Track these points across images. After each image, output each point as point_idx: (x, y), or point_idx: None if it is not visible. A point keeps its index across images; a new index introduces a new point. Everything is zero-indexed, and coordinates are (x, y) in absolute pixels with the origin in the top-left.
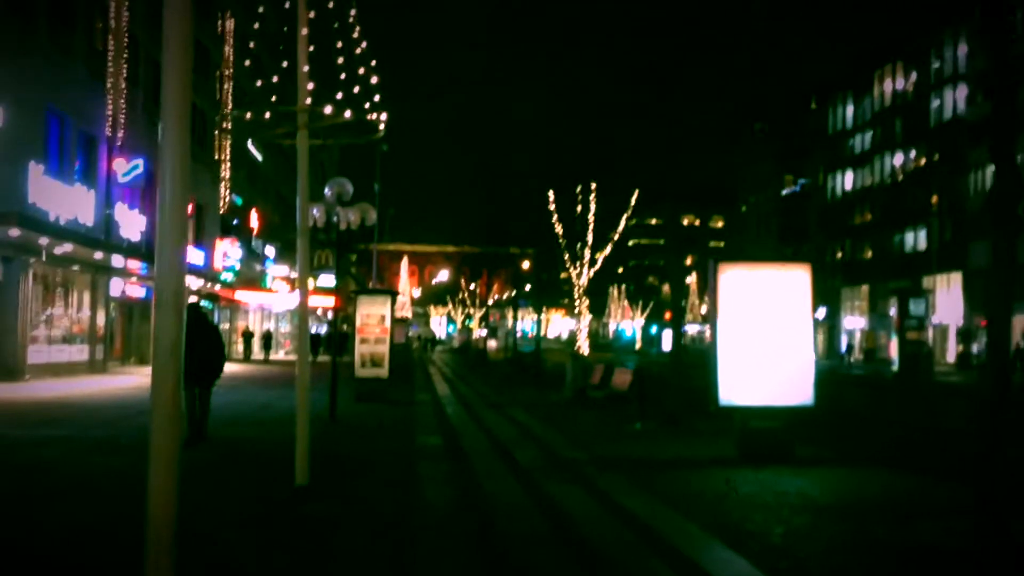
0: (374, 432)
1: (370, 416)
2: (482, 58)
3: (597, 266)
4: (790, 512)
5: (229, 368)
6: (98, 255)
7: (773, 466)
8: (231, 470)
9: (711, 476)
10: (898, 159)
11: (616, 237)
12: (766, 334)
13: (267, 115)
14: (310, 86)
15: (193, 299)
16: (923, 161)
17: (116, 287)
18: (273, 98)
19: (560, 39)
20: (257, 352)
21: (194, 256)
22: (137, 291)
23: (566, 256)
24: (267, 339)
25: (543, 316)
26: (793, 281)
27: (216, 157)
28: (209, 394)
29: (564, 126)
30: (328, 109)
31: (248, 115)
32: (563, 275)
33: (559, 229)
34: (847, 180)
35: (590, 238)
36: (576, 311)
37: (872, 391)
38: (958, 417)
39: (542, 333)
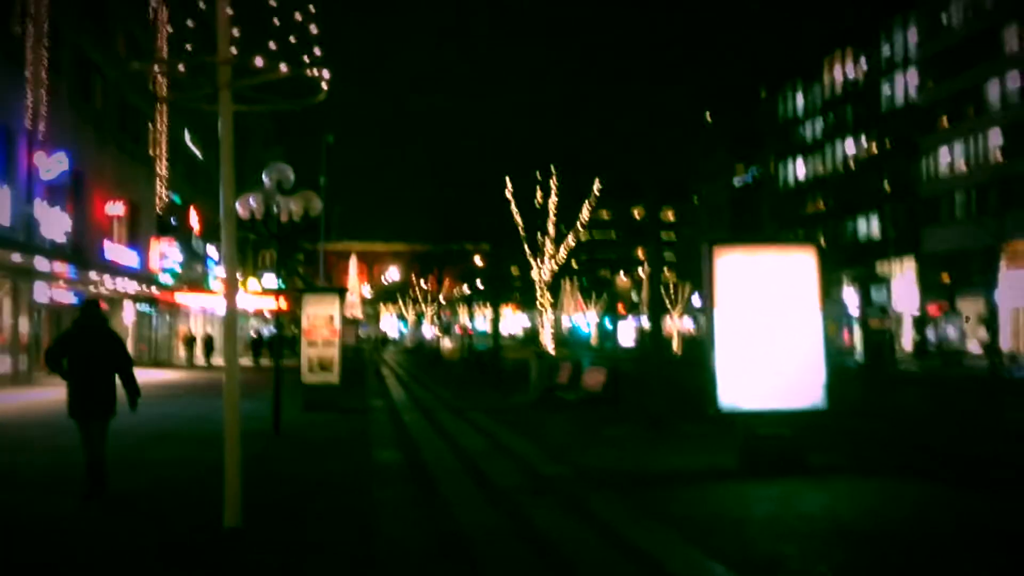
0: (324, 447)
1: (320, 427)
2: (430, 50)
3: (560, 256)
4: (824, 542)
5: (168, 376)
6: (17, 257)
7: (783, 478)
8: (146, 507)
9: (717, 493)
10: (850, 146)
11: (581, 225)
12: (770, 327)
13: (181, 69)
14: (235, 32)
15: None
16: (875, 147)
17: (42, 292)
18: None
19: (506, 28)
20: (199, 358)
21: (127, 257)
22: (66, 296)
23: (526, 248)
24: (208, 344)
25: (498, 312)
26: (797, 266)
27: (151, 152)
28: (107, 428)
29: (513, 117)
30: (259, 61)
31: (157, 70)
32: (515, 270)
33: (518, 218)
34: (799, 168)
35: (551, 228)
36: (538, 306)
37: (841, 383)
38: (938, 408)
39: (488, 329)
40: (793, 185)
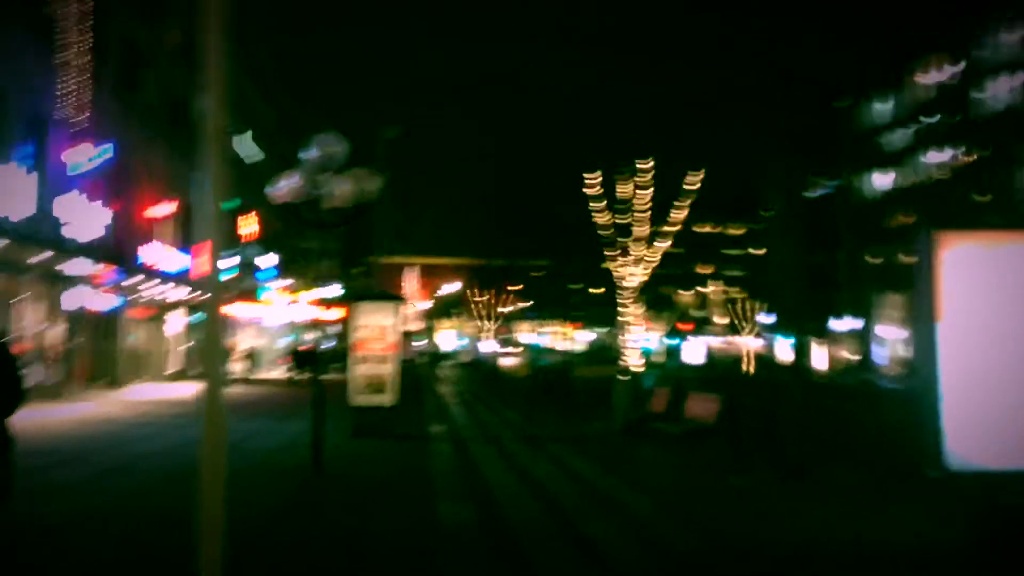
0: (374, 493)
1: (370, 462)
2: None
3: (656, 261)
4: None
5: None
6: (45, 256)
7: None
8: None
9: None
10: (939, 155)
11: (678, 227)
12: (1020, 351)
13: None
14: None
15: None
16: (968, 156)
17: (75, 297)
18: None
19: (577, 42)
20: (239, 370)
21: (175, 261)
22: (104, 301)
23: (615, 251)
24: (252, 357)
25: (558, 329)
26: None
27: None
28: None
29: (576, 136)
30: None
31: None
32: (610, 265)
33: (602, 219)
34: (880, 180)
35: (646, 228)
36: (623, 317)
37: None
38: None
39: (551, 345)
40: (873, 198)
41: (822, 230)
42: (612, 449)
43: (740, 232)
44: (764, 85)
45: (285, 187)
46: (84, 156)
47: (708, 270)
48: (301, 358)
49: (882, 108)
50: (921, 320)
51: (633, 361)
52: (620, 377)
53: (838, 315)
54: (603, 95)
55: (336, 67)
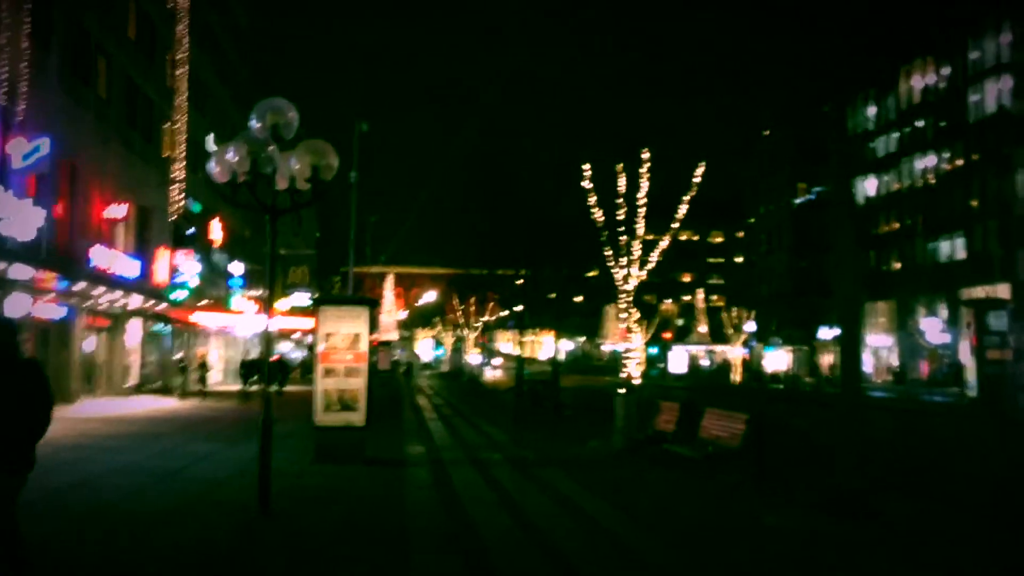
0: (333, 540)
1: (333, 495)
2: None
3: (651, 263)
4: None
5: (160, 406)
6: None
7: None
8: None
9: None
10: (929, 160)
11: (677, 225)
12: None
13: None
14: None
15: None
16: (959, 161)
17: (20, 304)
18: None
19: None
20: (195, 383)
21: (127, 267)
22: (53, 309)
23: (606, 253)
24: (202, 369)
25: (534, 338)
26: None
27: (167, 153)
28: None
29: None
30: None
31: None
32: (612, 268)
33: (598, 215)
34: (869, 186)
35: (641, 225)
36: (624, 325)
37: (973, 426)
38: None
39: (529, 354)
40: (862, 203)
41: (808, 237)
42: (616, 476)
43: (719, 240)
44: (750, 87)
45: (225, 163)
46: (18, 151)
47: (688, 277)
48: (249, 369)
49: (871, 113)
50: None
51: (634, 372)
52: (620, 391)
53: (830, 323)
54: (587, 94)
55: (309, 67)
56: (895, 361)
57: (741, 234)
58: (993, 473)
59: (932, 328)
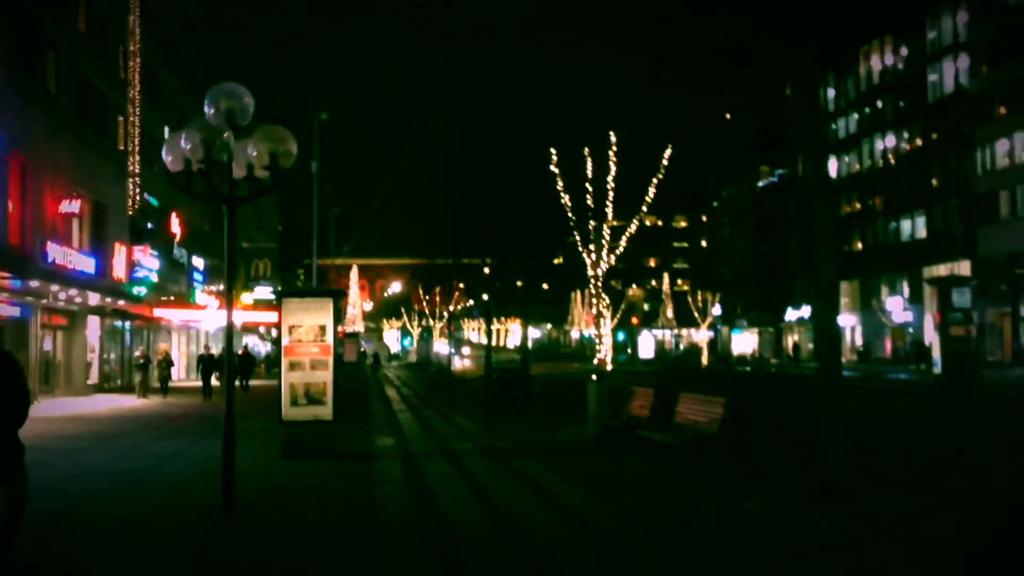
0: (301, 544)
1: (300, 494)
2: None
3: (620, 247)
4: None
5: (122, 404)
6: None
7: None
8: None
9: None
10: (890, 140)
11: (645, 208)
12: None
13: None
14: None
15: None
16: (919, 141)
17: None
18: None
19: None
20: (155, 380)
21: (82, 263)
22: (6, 309)
23: (577, 238)
24: (164, 365)
25: (501, 326)
26: None
27: (122, 147)
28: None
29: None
30: None
31: None
32: (582, 253)
33: (566, 199)
34: (831, 167)
35: (610, 209)
36: (594, 310)
37: (946, 405)
38: None
39: (498, 343)
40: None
41: (772, 220)
42: (592, 465)
43: (683, 226)
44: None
45: (178, 151)
46: None
47: (654, 263)
48: (208, 364)
49: (832, 94)
50: None
51: (606, 358)
52: (593, 378)
53: (796, 305)
54: (552, 82)
55: (269, 61)
56: (859, 340)
57: (705, 218)
58: (978, 457)
59: (895, 306)
